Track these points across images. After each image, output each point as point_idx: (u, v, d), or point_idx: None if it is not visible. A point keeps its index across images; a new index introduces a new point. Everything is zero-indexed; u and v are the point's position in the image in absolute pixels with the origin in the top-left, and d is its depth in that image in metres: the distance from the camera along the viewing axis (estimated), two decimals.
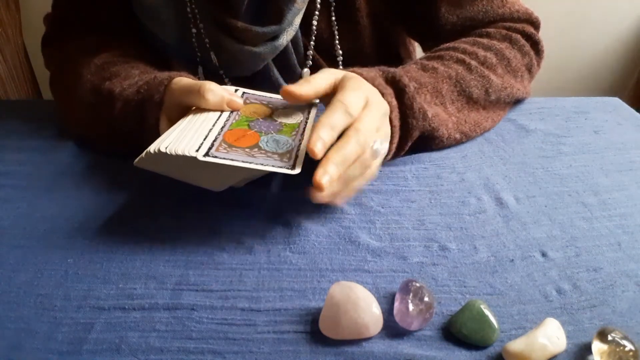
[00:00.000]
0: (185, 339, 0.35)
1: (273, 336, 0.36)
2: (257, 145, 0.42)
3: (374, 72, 0.50)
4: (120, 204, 0.48)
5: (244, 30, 0.56)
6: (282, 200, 0.48)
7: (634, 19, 1.47)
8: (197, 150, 0.39)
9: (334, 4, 0.62)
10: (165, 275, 0.41)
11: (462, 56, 0.57)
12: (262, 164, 0.40)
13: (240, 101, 0.47)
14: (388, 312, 0.37)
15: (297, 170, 0.40)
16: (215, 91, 0.46)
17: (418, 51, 0.75)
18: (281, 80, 0.64)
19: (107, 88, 0.52)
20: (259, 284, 0.40)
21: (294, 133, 0.45)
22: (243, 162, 0.39)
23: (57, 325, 0.36)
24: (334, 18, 0.63)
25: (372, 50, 0.68)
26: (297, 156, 0.42)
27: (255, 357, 0.34)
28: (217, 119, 0.45)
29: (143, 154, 0.42)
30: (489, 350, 0.35)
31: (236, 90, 0.50)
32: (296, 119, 0.47)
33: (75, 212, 0.47)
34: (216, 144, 0.41)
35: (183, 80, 0.48)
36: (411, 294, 0.36)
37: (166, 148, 0.40)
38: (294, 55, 0.63)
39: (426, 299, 0.36)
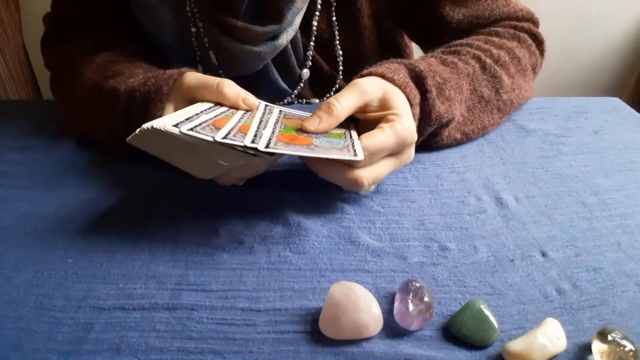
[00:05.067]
0: (185, 339, 0.35)
1: (273, 336, 0.36)
2: (312, 144, 0.42)
3: (402, 72, 0.49)
4: (121, 204, 0.48)
5: (243, 30, 0.56)
6: (282, 200, 0.48)
7: (634, 19, 1.47)
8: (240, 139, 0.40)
9: (335, 4, 0.62)
10: (165, 275, 0.41)
11: (478, 53, 0.57)
12: (324, 154, 0.40)
13: (255, 100, 0.48)
14: (388, 312, 0.37)
15: (360, 157, 0.41)
16: (232, 87, 0.46)
17: (417, 52, 0.75)
18: (280, 80, 0.64)
19: (110, 86, 0.52)
20: (259, 284, 0.40)
21: (342, 137, 0.45)
22: (305, 151, 0.40)
23: (57, 325, 0.36)
24: (334, 18, 0.63)
25: (373, 51, 0.68)
26: (355, 149, 0.42)
27: (255, 357, 0.34)
28: (242, 116, 0.45)
29: (149, 125, 0.40)
30: (489, 350, 0.35)
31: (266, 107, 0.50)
32: (340, 130, 0.47)
33: (75, 212, 0.47)
34: (272, 141, 0.41)
35: (196, 74, 0.48)
36: (411, 294, 0.36)
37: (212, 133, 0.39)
38: (293, 56, 0.63)
39: (426, 299, 0.36)
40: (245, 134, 0.41)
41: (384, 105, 0.46)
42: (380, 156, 0.44)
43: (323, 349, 0.35)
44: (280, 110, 0.50)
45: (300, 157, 0.47)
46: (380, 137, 0.43)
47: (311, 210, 0.47)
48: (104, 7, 0.63)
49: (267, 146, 0.39)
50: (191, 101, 0.47)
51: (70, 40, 0.63)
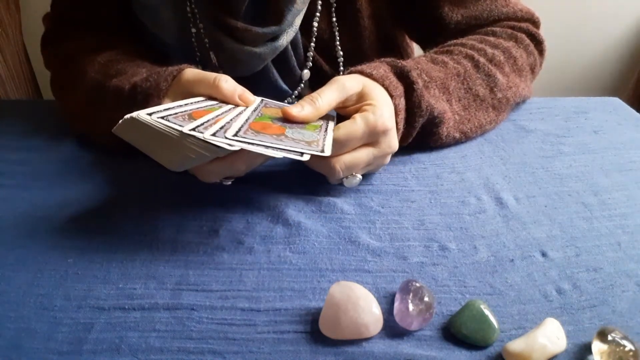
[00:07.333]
0: (185, 339, 0.35)
1: (273, 336, 0.36)
2: (283, 134, 0.42)
3: (382, 68, 0.50)
4: (121, 204, 0.48)
5: (244, 31, 0.56)
6: (282, 200, 0.48)
7: (634, 19, 1.47)
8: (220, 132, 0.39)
9: (335, 4, 0.62)
10: (165, 275, 0.41)
11: (471, 52, 0.57)
12: (291, 146, 0.40)
13: (252, 97, 0.48)
14: (388, 312, 0.37)
15: (327, 153, 0.41)
16: (229, 82, 0.47)
17: (418, 53, 0.75)
18: (280, 81, 0.64)
19: (114, 85, 0.52)
20: (259, 284, 0.40)
21: (317, 130, 0.45)
22: (273, 142, 0.39)
23: (57, 325, 0.36)
24: (334, 19, 0.63)
25: (373, 51, 0.68)
26: (324, 144, 0.42)
27: (255, 357, 0.34)
28: (228, 110, 0.45)
29: (137, 115, 0.40)
30: (489, 350, 0.35)
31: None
32: (317, 122, 0.47)
33: (76, 212, 0.47)
34: (243, 128, 0.41)
35: (195, 70, 0.49)
36: (411, 294, 0.36)
37: (192, 129, 0.39)
38: (294, 57, 0.63)
39: (426, 299, 0.36)
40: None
41: (360, 98, 0.47)
42: (352, 145, 0.45)
43: (323, 349, 0.35)
44: (262, 100, 0.50)
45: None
46: (349, 127, 0.44)
47: (311, 210, 0.47)
48: (104, 7, 0.63)
49: (235, 134, 0.39)
50: (189, 96, 0.47)
51: (70, 40, 0.63)
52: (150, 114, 0.40)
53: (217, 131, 0.39)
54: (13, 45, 1.15)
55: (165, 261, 0.42)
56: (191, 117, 0.41)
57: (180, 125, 0.39)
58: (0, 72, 1.12)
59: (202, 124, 0.40)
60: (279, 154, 0.38)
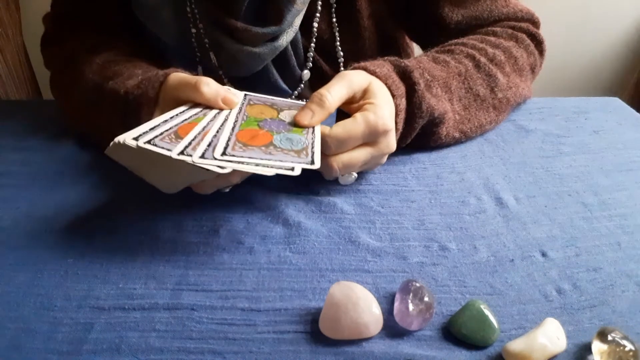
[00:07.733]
0: (185, 339, 0.35)
1: (273, 336, 0.36)
2: (271, 144, 0.42)
3: (386, 67, 0.50)
4: (121, 204, 0.48)
5: (243, 31, 0.56)
6: (282, 200, 0.48)
7: (634, 19, 1.47)
8: (209, 151, 0.39)
9: (335, 5, 0.62)
10: (165, 275, 0.41)
11: (472, 52, 0.57)
12: (281, 161, 0.39)
13: (236, 99, 0.47)
14: (388, 312, 0.37)
15: (317, 165, 0.40)
16: (211, 85, 0.46)
17: (417, 53, 0.75)
18: (280, 82, 0.64)
19: (110, 88, 0.52)
20: (259, 284, 0.40)
21: (304, 132, 0.44)
22: (261, 159, 0.39)
23: (57, 325, 0.36)
24: (334, 19, 0.63)
25: (373, 51, 0.68)
26: (313, 152, 0.42)
27: (255, 357, 0.34)
28: (213, 118, 0.44)
29: (121, 139, 0.39)
30: (489, 350, 0.35)
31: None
32: None
33: (76, 212, 0.47)
34: (231, 143, 0.40)
35: (179, 75, 0.48)
36: (411, 294, 0.36)
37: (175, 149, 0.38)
38: (294, 57, 0.63)
39: (426, 299, 0.36)
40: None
41: (364, 95, 0.47)
42: (351, 144, 0.45)
43: (323, 349, 0.35)
44: (245, 95, 0.49)
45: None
46: (349, 125, 0.44)
47: (311, 210, 0.47)
48: (105, 7, 0.63)
49: (224, 152, 0.39)
50: (176, 101, 0.47)
51: (70, 40, 0.63)
52: (136, 138, 0.39)
53: (205, 150, 0.39)
54: (13, 45, 1.15)
55: (165, 261, 0.42)
56: (177, 135, 0.41)
57: (167, 150, 0.38)
58: (0, 72, 1.12)
59: (190, 144, 0.39)
60: (270, 172, 0.38)
